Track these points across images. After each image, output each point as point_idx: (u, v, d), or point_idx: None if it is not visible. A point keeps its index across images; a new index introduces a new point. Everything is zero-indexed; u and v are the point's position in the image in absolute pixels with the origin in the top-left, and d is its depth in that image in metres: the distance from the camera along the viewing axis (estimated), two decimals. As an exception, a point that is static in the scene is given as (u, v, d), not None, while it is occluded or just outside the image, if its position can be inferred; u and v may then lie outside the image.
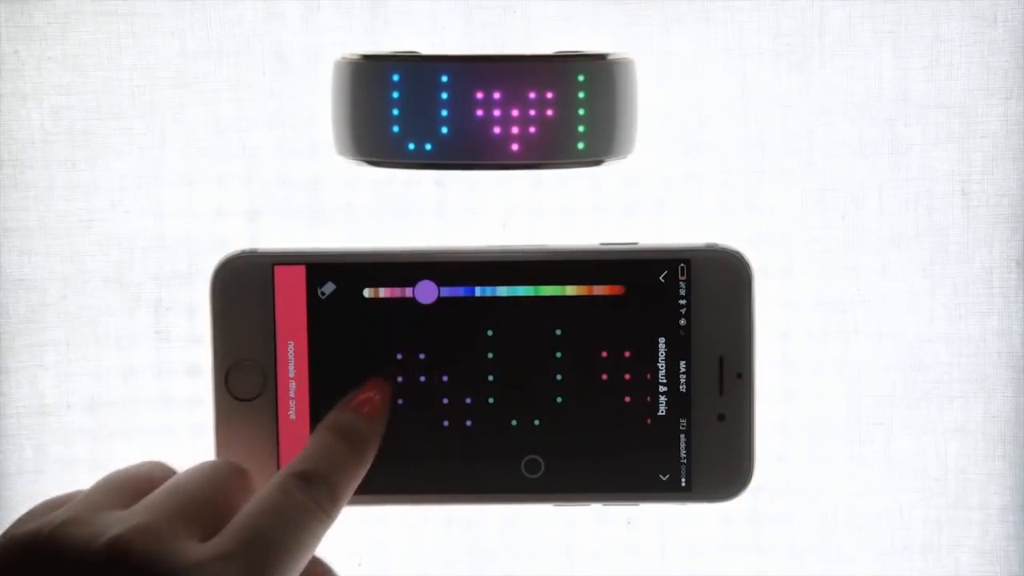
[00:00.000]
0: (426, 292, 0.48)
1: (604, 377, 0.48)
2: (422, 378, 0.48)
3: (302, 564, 0.40)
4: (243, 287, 0.48)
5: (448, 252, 0.48)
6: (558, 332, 0.48)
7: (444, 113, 0.47)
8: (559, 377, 0.48)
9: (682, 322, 0.48)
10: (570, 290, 0.48)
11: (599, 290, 0.48)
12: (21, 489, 0.57)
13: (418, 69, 0.47)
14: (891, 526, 0.58)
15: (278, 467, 0.47)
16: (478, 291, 0.48)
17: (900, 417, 0.57)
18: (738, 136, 0.56)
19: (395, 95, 0.48)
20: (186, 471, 0.43)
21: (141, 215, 0.56)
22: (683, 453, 0.48)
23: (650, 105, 0.53)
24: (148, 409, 0.57)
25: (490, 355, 0.48)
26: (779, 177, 0.56)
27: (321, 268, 0.48)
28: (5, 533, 0.38)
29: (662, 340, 0.48)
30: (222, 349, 0.48)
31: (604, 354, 0.48)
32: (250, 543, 0.38)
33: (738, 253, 0.48)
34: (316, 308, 0.48)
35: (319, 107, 0.54)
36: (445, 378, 0.48)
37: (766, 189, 0.56)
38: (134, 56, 0.56)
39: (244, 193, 0.56)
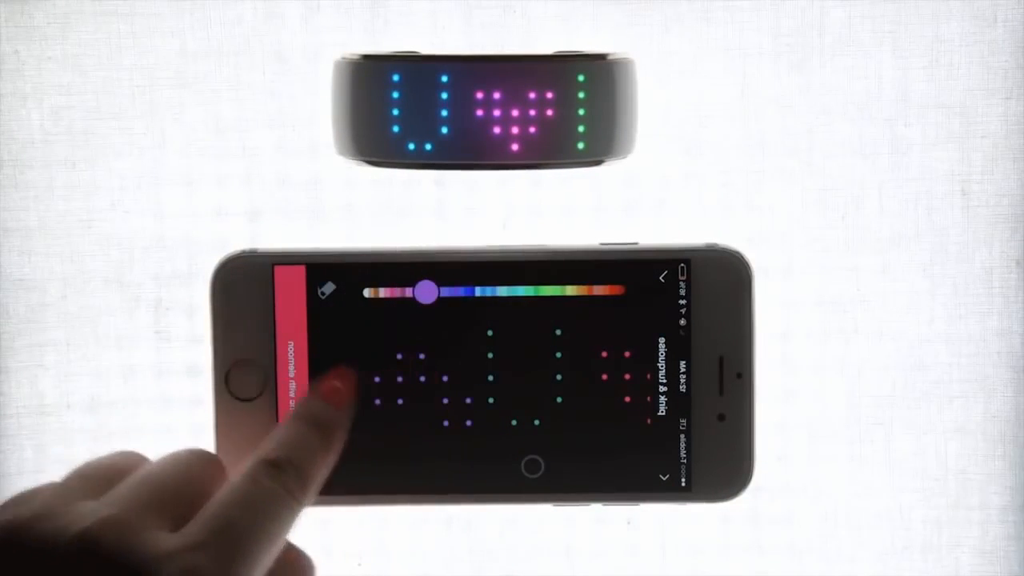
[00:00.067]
0: (426, 292, 0.48)
1: (604, 377, 0.48)
2: (422, 378, 0.48)
3: (274, 551, 0.39)
4: (243, 287, 0.48)
5: (448, 252, 0.48)
6: (558, 332, 0.48)
7: (444, 113, 0.47)
8: (559, 377, 0.48)
9: (682, 322, 0.48)
10: (570, 290, 0.48)
11: (599, 290, 0.48)
12: (21, 489, 0.57)
13: (418, 69, 0.47)
14: (891, 526, 0.58)
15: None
16: (478, 291, 0.48)
17: (900, 417, 0.57)
18: (738, 136, 0.56)
19: (395, 95, 0.48)
20: (158, 460, 0.42)
21: (141, 215, 0.56)
22: (683, 453, 0.48)
23: (650, 105, 0.53)
24: (148, 409, 0.57)
25: (490, 355, 0.48)
26: (779, 177, 0.56)
27: (321, 268, 0.48)
28: None
29: (662, 340, 0.48)
30: (222, 349, 0.48)
31: (604, 354, 0.48)
32: (220, 532, 0.38)
33: (738, 253, 0.48)
34: (316, 308, 0.48)
35: (319, 107, 0.54)
36: (445, 378, 0.48)
37: (766, 189, 0.56)
38: (134, 56, 0.56)
39: (244, 193, 0.56)
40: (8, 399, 0.57)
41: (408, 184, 0.56)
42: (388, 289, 0.48)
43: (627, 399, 0.48)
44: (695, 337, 0.48)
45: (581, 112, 0.48)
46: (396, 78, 0.47)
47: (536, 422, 0.48)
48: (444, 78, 0.47)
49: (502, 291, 0.48)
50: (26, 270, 0.56)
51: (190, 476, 0.41)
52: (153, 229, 0.56)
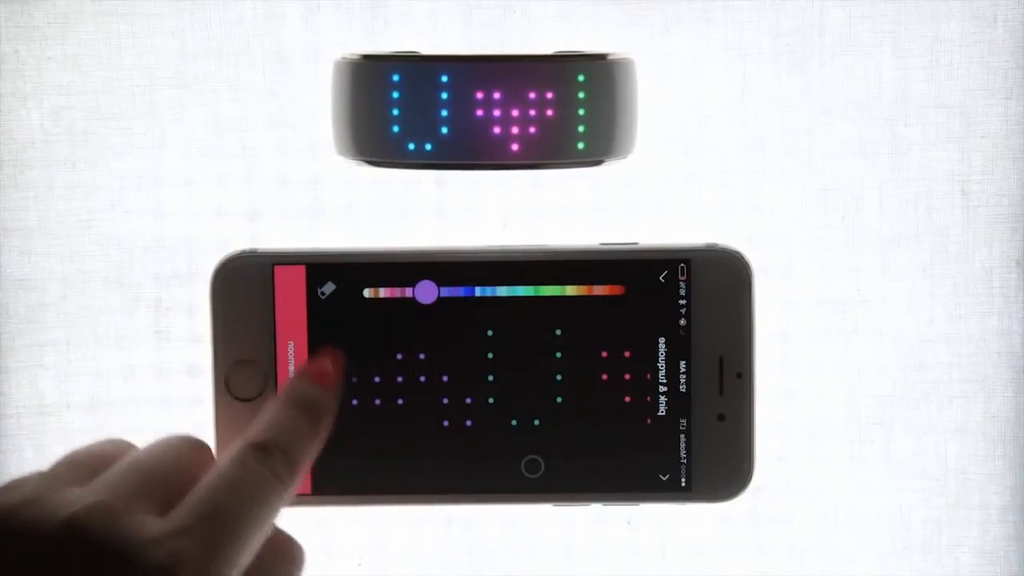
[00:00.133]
0: (426, 292, 0.48)
1: (604, 377, 0.48)
2: (422, 378, 0.48)
3: (261, 535, 0.39)
4: (243, 287, 0.48)
5: (448, 252, 0.48)
6: (558, 332, 0.48)
7: (444, 113, 0.47)
8: (559, 377, 0.48)
9: (682, 322, 0.48)
10: (570, 290, 0.48)
11: (599, 290, 0.48)
12: (21, 489, 0.57)
13: (418, 69, 0.47)
14: (891, 526, 0.58)
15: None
16: (478, 291, 0.48)
17: (900, 417, 0.57)
18: (738, 136, 0.56)
19: (395, 95, 0.48)
20: (146, 447, 0.42)
21: (141, 215, 0.56)
22: (683, 453, 0.48)
23: (650, 105, 0.53)
24: (148, 409, 0.57)
25: (490, 355, 0.48)
26: (779, 177, 0.56)
27: (321, 268, 0.48)
28: None
29: (662, 340, 0.48)
30: (222, 349, 0.48)
31: (604, 354, 0.48)
32: (206, 517, 0.37)
33: (738, 253, 0.48)
34: (316, 308, 0.48)
35: (319, 107, 0.54)
36: (445, 378, 0.48)
37: (766, 189, 0.56)
38: (134, 56, 0.56)
39: (244, 193, 0.56)
40: (8, 399, 0.57)
41: (408, 184, 0.56)
42: (388, 289, 0.48)
43: (627, 399, 0.48)
44: (695, 337, 0.48)
45: (581, 112, 0.48)
46: (396, 78, 0.47)
47: (536, 422, 0.48)
48: (444, 78, 0.47)
49: (502, 291, 0.48)
50: (26, 270, 0.56)
51: (178, 462, 0.41)
52: (153, 229, 0.56)
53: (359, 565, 0.58)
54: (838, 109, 0.56)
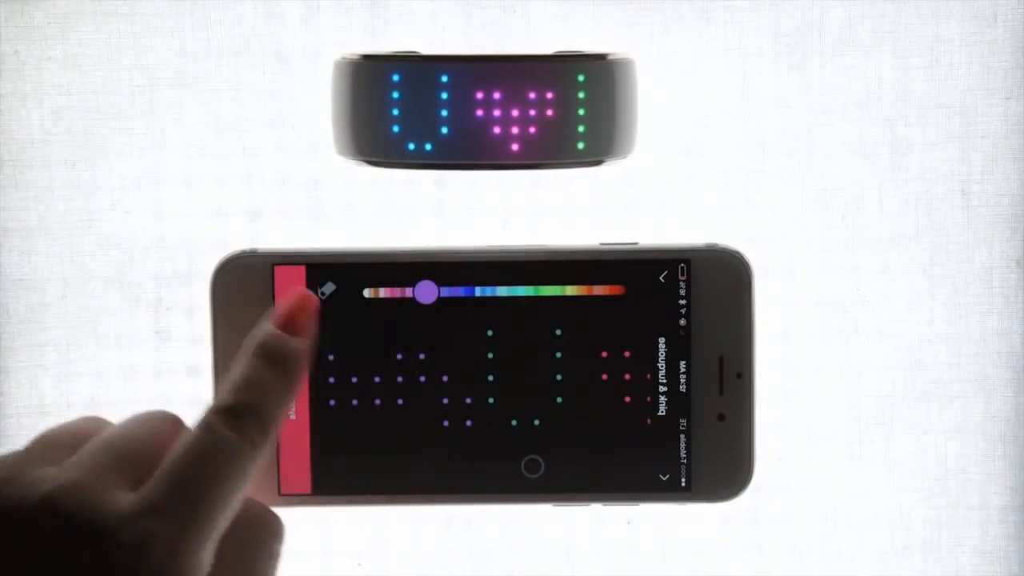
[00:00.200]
0: (426, 292, 0.48)
1: (604, 377, 0.48)
2: (422, 378, 0.48)
3: (235, 502, 0.38)
4: (243, 287, 0.48)
5: (448, 252, 0.48)
6: (558, 332, 0.48)
7: (444, 113, 0.47)
8: (559, 377, 0.48)
9: (682, 322, 0.48)
10: (570, 290, 0.48)
11: (599, 290, 0.48)
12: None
13: (418, 69, 0.47)
14: (891, 526, 0.58)
15: (278, 468, 0.47)
16: (478, 291, 0.48)
17: (900, 417, 0.57)
18: (738, 136, 0.56)
19: (395, 95, 0.48)
20: (120, 423, 0.42)
21: (141, 215, 0.56)
22: (683, 453, 0.48)
23: (650, 105, 0.53)
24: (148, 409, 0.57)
25: (490, 355, 0.48)
26: (779, 177, 0.56)
27: (321, 268, 0.48)
28: None
29: (662, 340, 0.48)
30: (222, 349, 0.48)
31: (604, 354, 0.48)
32: (176, 490, 0.37)
33: (738, 253, 0.48)
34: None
35: (319, 107, 0.54)
36: (445, 378, 0.48)
37: (766, 189, 0.56)
38: (134, 56, 0.56)
39: (244, 193, 0.56)
40: (8, 399, 0.57)
41: (408, 184, 0.56)
42: (388, 289, 0.48)
43: (627, 399, 0.48)
44: (695, 337, 0.48)
45: (581, 112, 0.48)
46: (396, 78, 0.47)
47: (536, 422, 0.48)
48: (444, 78, 0.47)
49: (502, 291, 0.48)
50: (26, 270, 0.56)
51: (152, 436, 0.40)
52: (153, 229, 0.56)
53: (359, 565, 0.58)
54: (838, 109, 0.56)
